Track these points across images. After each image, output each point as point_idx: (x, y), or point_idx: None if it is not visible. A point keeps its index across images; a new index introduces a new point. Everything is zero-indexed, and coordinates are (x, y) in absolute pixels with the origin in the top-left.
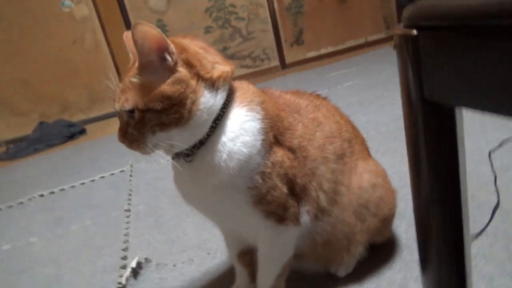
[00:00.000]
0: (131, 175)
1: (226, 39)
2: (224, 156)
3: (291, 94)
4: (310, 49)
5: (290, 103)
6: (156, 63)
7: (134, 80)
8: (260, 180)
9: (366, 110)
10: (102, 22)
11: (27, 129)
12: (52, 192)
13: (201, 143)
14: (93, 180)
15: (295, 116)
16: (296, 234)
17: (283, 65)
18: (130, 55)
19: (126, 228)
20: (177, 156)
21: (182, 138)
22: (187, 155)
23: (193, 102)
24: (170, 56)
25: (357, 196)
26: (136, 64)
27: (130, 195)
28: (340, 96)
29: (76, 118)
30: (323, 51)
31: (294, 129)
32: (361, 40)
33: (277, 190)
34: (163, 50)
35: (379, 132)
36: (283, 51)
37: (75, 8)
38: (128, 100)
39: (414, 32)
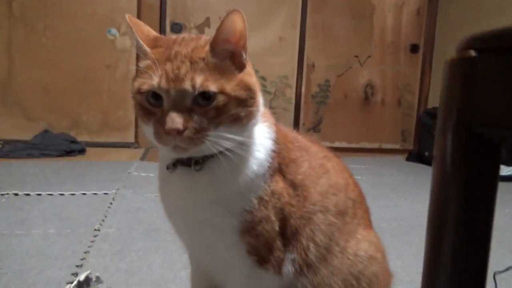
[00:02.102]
0: (113, 199)
1: None
2: (235, 169)
3: (303, 136)
4: (325, 139)
5: (300, 140)
6: (227, 54)
7: (213, 60)
8: (257, 205)
9: (368, 204)
10: (139, 57)
11: (31, 135)
12: (28, 194)
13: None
14: (73, 194)
15: (302, 153)
16: (274, 285)
17: None
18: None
19: (89, 246)
20: (181, 162)
21: (233, 140)
22: (196, 163)
23: (258, 102)
24: (245, 53)
25: (351, 263)
26: (207, 47)
27: (105, 216)
28: None
29: (81, 138)
30: (337, 144)
31: (299, 165)
32: (375, 145)
33: (269, 224)
34: (241, 45)
35: (379, 226)
36: (298, 132)
37: (119, 38)
38: (209, 81)
39: (473, 53)
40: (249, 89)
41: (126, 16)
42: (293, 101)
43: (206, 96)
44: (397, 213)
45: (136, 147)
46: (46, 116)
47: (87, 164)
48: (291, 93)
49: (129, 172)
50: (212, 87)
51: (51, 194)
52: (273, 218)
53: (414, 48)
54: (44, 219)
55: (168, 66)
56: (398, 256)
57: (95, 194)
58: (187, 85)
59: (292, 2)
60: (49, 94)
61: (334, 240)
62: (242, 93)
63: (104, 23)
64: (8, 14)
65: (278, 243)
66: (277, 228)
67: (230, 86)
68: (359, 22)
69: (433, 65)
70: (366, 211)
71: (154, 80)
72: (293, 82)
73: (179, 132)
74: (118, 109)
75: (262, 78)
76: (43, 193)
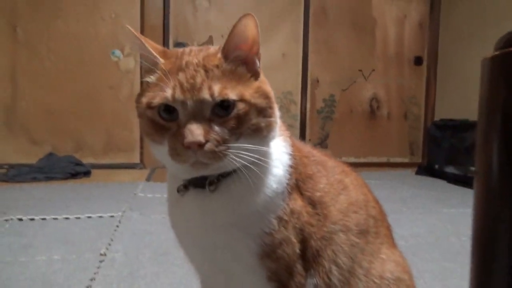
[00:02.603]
0: (119, 221)
1: None
2: (253, 188)
3: (318, 150)
4: (332, 155)
5: (315, 154)
6: (240, 61)
7: (228, 67)
8: (276, 226)
9: None
10: (144, 72)
11: (36, 158)
12: (32, 219)
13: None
14: (79, 218)
15: (319, 167)
16: None
17: None
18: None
19: (95, 273)
20: (193, 184)
21: (256, 152)
22: (211, 183)
23: (276, 113)
24: (259, 61)
25: (376, 287)
26: (219, 54)
27: (111, 240)
28: None
29: (86, 160)
30: (345, 159)
31: (316, 181)
32: (383, 159)
33: (289, 246)
34: (254, 52)
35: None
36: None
37: (123, 59)
38: (228, 88)
39: None
40: (267, 97)
41: (130, 28)
42: (299, 117)
43: (224, 105)
44: (413, 229)
45: (141, 168)
46: (51, 139)
47: (92, 186)
48: (296, 109)
49: (135, 194)
50: (232, 95)
51: (56, 218)
52: (293, 239)
53: (418, 61)
54: (48, 245)
55: (181, 76)
56: (419, 275)
57: (101, 217)
58: (205, 94)
59: (294, 18)
60: (53, 117)
61: (357, 262)
62: (261, 101)
63: (107, 44)
64: (12, 39)
65: (299, 266)
66: (298, 251)
67: (249, 93)
68: (361, 36)
69: (437, 77)
70: (388, 228)
71: (167, 92)
72: (297, 98)
73: (200, 146)
74: (122, 130)
75: None
76: (47, 217)
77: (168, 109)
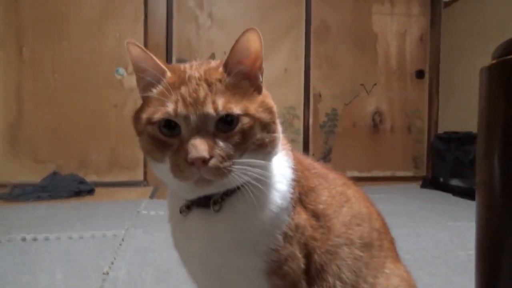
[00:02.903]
0: (123, 239)
1: None
2: (258, 205)
3: (318, 163)
4: (336, 169)
5: (316, 167)
6: (242, 75)
7: (231, 81)
8: (282, 242)
9: None
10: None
11: (40, 177)
12: (35, 239)
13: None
14: (82, 237)
15: (320, 180)
16: None
17: None
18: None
19: None
20: (196, 204)
21: (261, 167)
22: (215, 203)
23: (279, 128)
24: (262, 76)
25: None
26: (221, 69)
27: (114, 258)
28: None
29: (90, 178)
30: (348, 173)
31: (318, 193)
32: (388, 173)
33: (294, 261)
34: (257, 67)
35: (402, 258)
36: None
37: (127, 77)
38: (231, 103)
39: None
40: (271, 112)
41: (135, 42)
42: (301, 131)
43: (228, 120)
44: (419, 243)
45: (145, 185)
46: (55, 158)
47: (96, 204)
48: (299, 124)
49: (138, 211)
50: (236, 109)
51: (59, 237)
52: (298, 255)
53: (419, 74)
54: (51, 264)
55: (184, 90)
56: None
57: (104, 235)
58: (209, 108)
59: (295, 34)
60: (57, 136)
61: (361, 277)
62: (265, 116)
63: (111, 62)
64: (18, 59)
65: (304, 283)
66: (302, 266)
67: (253, 108)
68: (362, 50)
69: (440, 90)
70: (392, 242)
71: (169, 107)
72: (300, 112)
73: (204, 162)
74: (126, 147)
75: None
76: (51, 236)
77: (169, 125)
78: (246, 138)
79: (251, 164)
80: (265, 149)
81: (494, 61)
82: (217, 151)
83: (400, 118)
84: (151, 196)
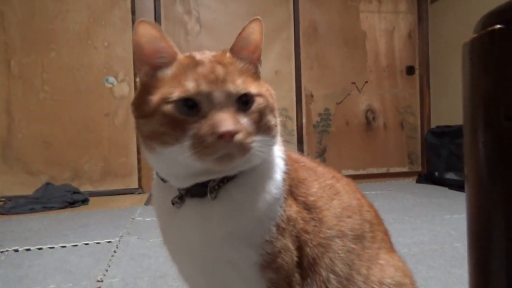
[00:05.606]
0: (117, 247)
1: None
2: (254, 194)
3: (306, 157)
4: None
5: (304, 160)
6: (247, 61)
7: (241, 64)
8: (275, 234)
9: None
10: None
11: (33, 189)
12: (28, 249)
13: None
14: (76, 246)
15: (310, 173)
16: None
17: None
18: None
19: None
20: (190, 193)
21: (273, 145)
22: (211, 190)
23: (277, 117)
24: (259, 67)
25: None
26: (229, 54)
27: (109, 266)
28: None
29: (84, 188)
30: (344, 172)
31: (308, 185)
32: (383, 170)
33: (287, 254)
34: (256, 58)
35: (399, 252)
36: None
37: (117, 85)
38: (248, 83)
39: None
40: (273, 97)
41: (146, 20)
42: (295, 132)
43: (243, 100)
44: (416, 237)
45: (140, 193)
46: (48, 169)
47: (90, 213)
48: (292, 125)
49: (133, 218)
50: (252, 89)
51: (53, 247)
52: (291, 247)
53: (410, 70)
54: (44, 274)
55: (202, 69)
56: (425, 283)
57: (98, 243)
58: (230, 86)
59: (285, 36)
60: (49, 147)
61: (355, 269)
62: (272, 100)
63: (101, 72)
64: (7, 72)
65: (297, 276)
66: (295, 259)
67: (264, 90)
68: (352, 49)
69: (431, 85)
70: (386, 233)
71: (189, 85)
72: (293, 113)
73: (232, 136)
74: (119, 156)
75: None
76: (44, 246)
77: (186, 104)
78: (261, 117)
79: (265, 144)
80: (272, 131)
81: (475, 35)
82: (242, 126)
83: (392, 115)
84: (146, 203)
